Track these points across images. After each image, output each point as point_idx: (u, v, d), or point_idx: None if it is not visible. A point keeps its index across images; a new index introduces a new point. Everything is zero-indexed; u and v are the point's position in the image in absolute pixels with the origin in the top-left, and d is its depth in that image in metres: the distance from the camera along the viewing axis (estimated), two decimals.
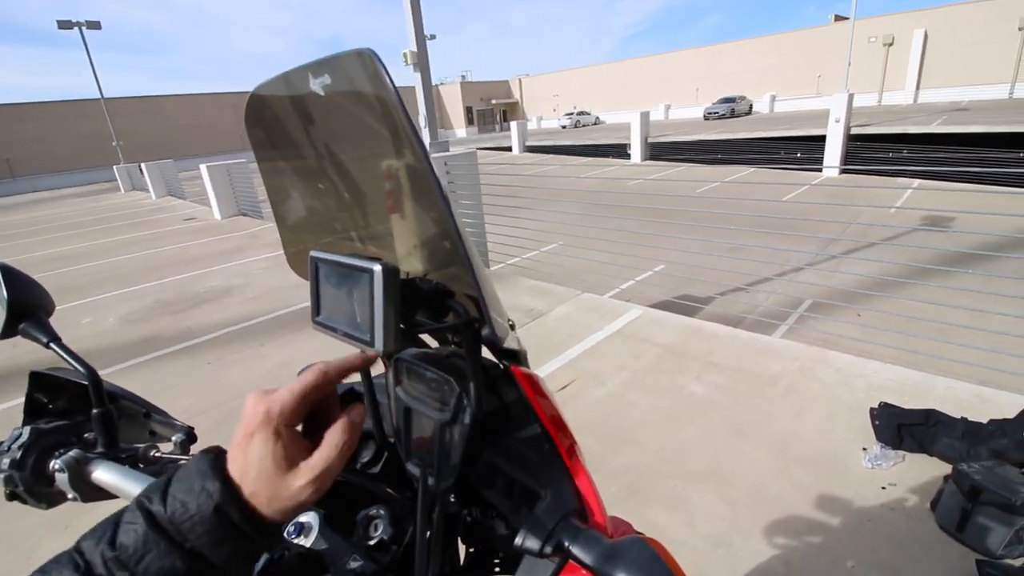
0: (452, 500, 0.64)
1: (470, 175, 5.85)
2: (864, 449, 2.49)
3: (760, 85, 36.36)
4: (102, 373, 0.67)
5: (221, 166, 11.47)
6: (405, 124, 0.46)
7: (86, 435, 0.67)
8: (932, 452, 2.41)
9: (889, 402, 2.72)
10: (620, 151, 19.69)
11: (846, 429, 2.67)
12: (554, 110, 48.90)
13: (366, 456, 0.73)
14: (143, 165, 17.68)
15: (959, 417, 2.50)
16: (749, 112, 35.05)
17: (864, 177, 11.52)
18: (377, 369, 0.71)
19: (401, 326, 0.52)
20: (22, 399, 0.73)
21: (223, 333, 4.72)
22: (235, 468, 0.38)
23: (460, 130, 49.14)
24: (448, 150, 6.12)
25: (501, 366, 0.64)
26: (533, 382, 0.59)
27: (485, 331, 0.55)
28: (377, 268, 0.48)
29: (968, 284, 4.23)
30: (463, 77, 50.93)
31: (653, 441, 2.72)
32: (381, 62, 0.44)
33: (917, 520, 2.09)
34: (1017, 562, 1.85)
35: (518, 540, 0.48)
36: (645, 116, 18.25)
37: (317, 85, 0.51)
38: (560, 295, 4.90)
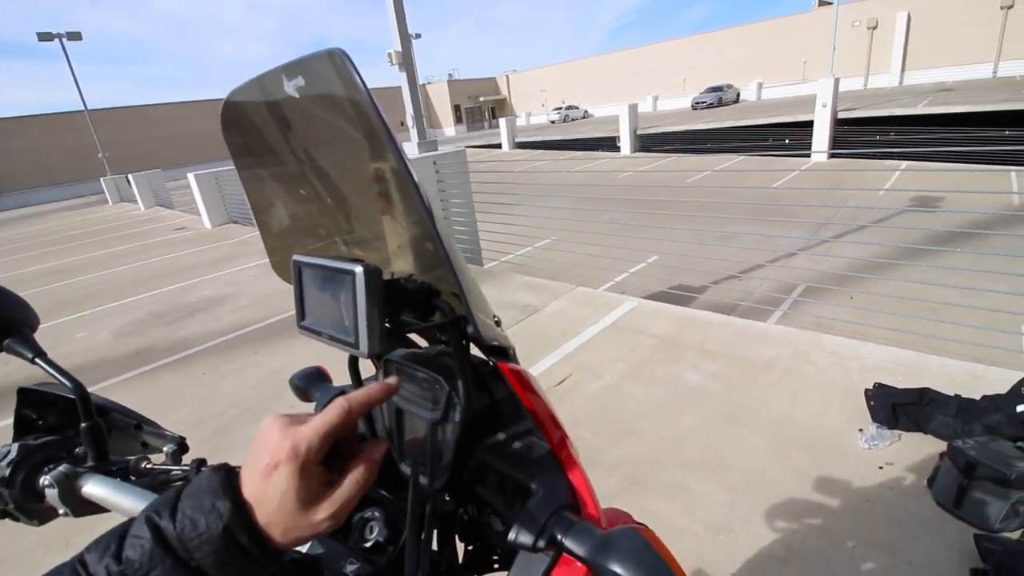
0: (447, 499, 0.64)
1: (460, 173, 5.84)
2: (860, 430, 2.51)
3: (747, 73, 36.42)
4: (96, 387, 0.66)
5: (209, 174, 11.40)
6: (380, 125, 0.46)
7: (76, 450, 0.67)
8: (927, 430, 2.43)
9: (884, 383, 2.74)
10: (609, 144, 19.71)
11: (841, 411, 2.69)
12: (542, 105, 48.83)
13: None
14: (130, 176, 17.54)
15: (953, 395, 2.52)
16: (737, 100, 35.13)
17: (853, 161, 11.59)
18: (367, 370, 0.71)
19: (387, 326, 0.52)
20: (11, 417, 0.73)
21: (217, 342, 4.70)
22: (250, 492, 0.38)
23: (449, 129, 49.02)
24: (437, 149, 6.10)
25: (490, 363, 0.64)
26: (522, 378, 0.60)
27: (470, 329, 0.55)
28: (359, 269, 0.47)
29: (958, 263, 4.27)
30: (450, 75, 50.77)
31: (651, 431, 2.73)
32: (351, 62, 0.43)
33: (915, 498, 2.11)
34: (1015, 535, 1.87)
35: (511, 535, 0.48)
36: (633, 108, 18.27)
37: (291, 88, 0.51)
38: (554, 290, 4.91)
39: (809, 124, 14.18)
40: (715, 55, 38.13)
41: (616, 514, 0.66)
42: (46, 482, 0.60)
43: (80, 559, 0.36)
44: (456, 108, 49.39)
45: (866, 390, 2.72)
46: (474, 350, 0.63)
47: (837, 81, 13.42)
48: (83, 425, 0.64)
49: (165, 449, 0.70)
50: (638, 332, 3.87)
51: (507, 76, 52.93)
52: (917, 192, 7.96)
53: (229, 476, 0.38)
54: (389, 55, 5.98)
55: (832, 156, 12.46)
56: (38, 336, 0.69)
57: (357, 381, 0.68)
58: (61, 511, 0.61)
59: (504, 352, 0.62)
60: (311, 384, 0.82)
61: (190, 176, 11.44)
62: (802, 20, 34.29)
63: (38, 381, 0.74)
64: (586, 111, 43.31)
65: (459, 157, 5.94)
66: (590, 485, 0.56)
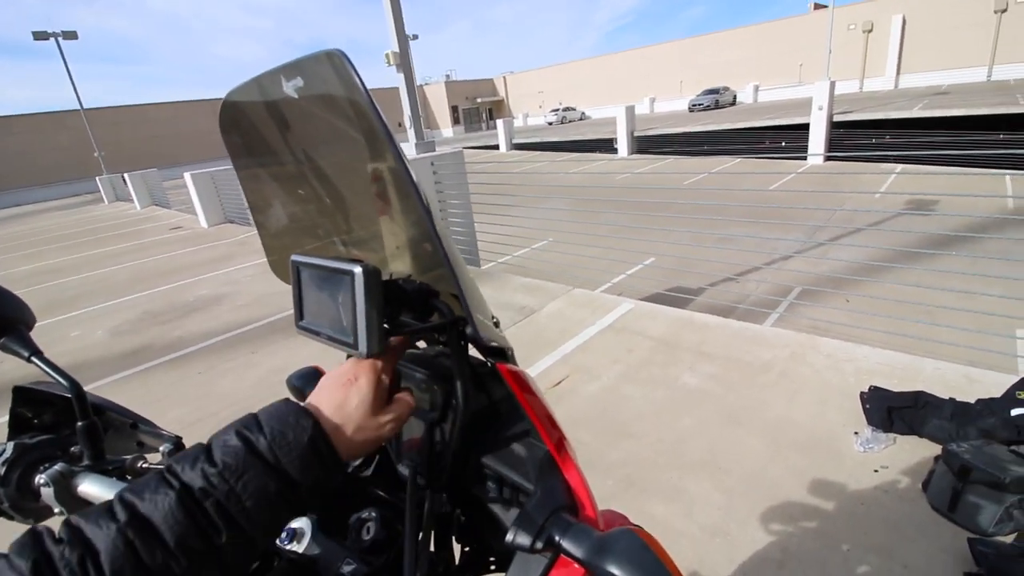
0: (445, 500, 0.64)
1: (457, 174, 5.84)
2: (856, 433, 2.52)
3: (743, 75, 36.54)
4: (91, 387, 0.66)
5: (206, 174, 11.36)
6: (379, 126, 0.46)
7: (72, 449, 0.66)
8: (922, 434, 2.44)
9: (879, 386, 2.74)
10: (607, 146, 19.73)
11: (837, 414, 2.70)
12: (540, 107, 48.85)
13: (357, 459, 0.73)
14: (126, 175, 17.49)
15: (948, 398, 2.53)
16: (733, 103, 35.24)
17: (849, 164, 11.64)
18: None
19: (386, 327, 0.52)
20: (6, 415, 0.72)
21: (214, 342, 4.69)
22: (330, 406, 0.48)
23: (446, 130, 49.00)
24: (434, 150, 6.09)
25: (488, 364, 0.64)
26: (520, 379, 0.60)
27: (469, 330, 0.55)
28: (358, 270, 0.47)
29: (953, 266, 4.29)
30: (447, 77, 50.78)
31: (648, 433, 2.73)
32: (351, 63, 0.43)
33: (909, 501, 2.12)
34: (1008, 539, 1.88)
35: (509, 537, 0.48)
36: (630, 110, 18.30)
37: (290, 88, 0.51)
38: (552, 291, 4.91)
39: (805, 127, 14.22)
40: (712, 57, 38.25)
41: (612, 516, 0.66)
42: (41, 481, 0.60)
43: (168, 469, 0.41)
44: (454, 109, 49.38)
45: (861, 393, 2.73)
46: (472, 351, 0.63)
47: (833, 84, 13.47)
48: (79, 424, 0.63)
49: (161, 449, 0.70)
50: (635, 334, 3.87)
51: (504, 77, 52.96)
52: (912, 195, 8.01)
53: (298, 403, 0.47)
54: (387, 56, 5.97)
55: (828, 159, 12.50)
56: (34, 335, 0.68)
57: None
58: (56, 510, 0.61)
59: (503, 353, 0.62)
60: (309, 384, 0.82)
61: (186, 175, 11.41)
62: (798, 23, 34.43)
63: (34, 380, 0.74)
64: (583, 113, 43.36)
65: (457, 158, 5.93)
66: (588, 487, 0.56)
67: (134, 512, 0.38)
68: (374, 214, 0.63)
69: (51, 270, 9.05)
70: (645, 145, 19.10)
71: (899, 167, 10.32)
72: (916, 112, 16.37)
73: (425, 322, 0.59)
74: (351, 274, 0.48)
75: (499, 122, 24.81)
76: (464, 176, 5.87)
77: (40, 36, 22.05)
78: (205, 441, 0.44)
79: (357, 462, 0.73)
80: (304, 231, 0.72)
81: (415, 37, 24.09)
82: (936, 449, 2.31)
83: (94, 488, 0.59)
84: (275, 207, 0.73)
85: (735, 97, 35.50)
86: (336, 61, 0.44)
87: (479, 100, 51.52)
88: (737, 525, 2.10)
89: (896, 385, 2.75)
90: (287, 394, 0.81)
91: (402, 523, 0.59)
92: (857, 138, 14.54)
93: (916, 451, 2.38)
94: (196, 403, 3.59)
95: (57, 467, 0.60)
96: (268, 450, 0.42)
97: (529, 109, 49.94)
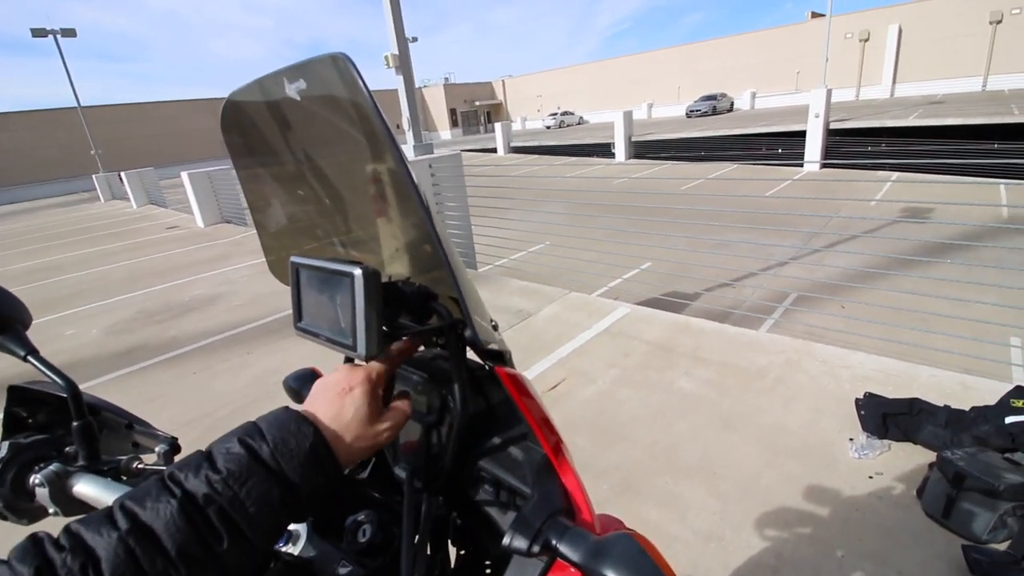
0: (441, 503, 0.64)
1: (455, 177, 5.84)
2: (851, 439, 2.52)
3: (741, 82, 36.71)
4: (85, 386, 0.66)
5: (203, 173, 11.33)
6: (381, 129, 0.46)
7: (67, 449, 0.66)
8: (917, 440, 2.44)
9: (874, 392, 2.76)
10: (604, 150, 19.79)
11: (832, 420, 2.71)
12: (538, 111, 48.95)
13: (354, 465, 0.73)
14: (123, 174, 17.42)
15: (942, 405, 2.54)
16: (730, 109, 35.37)
17: (845, 171, 11.70)
18: None
19: (384, 329, 0.52)
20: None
21: (209, 342, 4.67)
22: (326, 415, 0.49)
23: (444, 132, 49.04)
24: (433, 152, 6.10)
25: (486, 367, 0.64)
26: (518, 382, 0.60)
27: (468, 333, 0.55)
28: (358, 272, 0.47)
29: (948, 274, 4.30)
30: (446, 79, 50.84)
31: (644, 437, 2.73)
32: (355, 66, 0.44)
33: (904, 508, 2.12)
34: (1002, 546, 1.89)
35: (506, 540, 0.48)
36: (628, 115, 18.36)
37: (293, 90, 0.51)
38: (548, 295, 4.91)
39: (802, 134, 14.30)
40: (710, 64, 38.42)
41: (608, 520, 0.66)
42: (36, 481, 0.60)
43: (169, 477, 0.41)
44: (452, 112, 49.44)
45: (856, 400, 2.73)
46: (470, 354, 0.63)
47: (829, 92, 13.54)
48: (75, 424, 0.63)
49: (157, 449, 0.69)
50: (632, 338, 3.88)
51: (503, 81, 53.06)
52: (908, 203, 8.04)
53: (298, 411, 0.48)
54: (386, 58, 5.98)
55: (824, 166, 12.56)
56: (29, 333, 0.68)
57: None
58: (51, 510, 0.60)
59: (500, 356, 0.62)
60: (305, 386, 0.82)
61: (183, 175, 11.37)
62: (795, 31, 34.63)
63: (29, 379, 0.74)
64: (581, 117, 43.47)
65: (455, 160, 5.94)
66: (584, 491, 0.56)
67: (135, 520, 0.39)
68: (373, 216, 0.63)
69: (46, 268, 9.00)
70: (643, 150, 19.16)
71: (895, 175, 10.39)
72: (912, 121, 16.48)
73: (424, 324, 0.59)
74: (351, 276, 0.48)
75: (497, 125, 24.85)
76: (462, 179, 5.88)
77: (39, 33, 21.97)
78: (203, 447, 0.44)
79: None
80: (303, 232, 0.72)
81: (415, 39, 24.13)
82: (931, 456, 2.32)
83: (89, 488, 0.59)
84: (275, 207, 0.73)
85: (732, 103, 35.65)
86: (341, 65, 0.45)
87: (477, 103, 51.59)
88: (732, 530, 2.10)
89: (891, 392, 2.76)
90: (283, 395, 0.82)
91: (398, 526, 0.59)
92: (853, 146, 14.64)
93: (911, 458, 2.38)
94: (191, 403, 3.58)
95: (52, 467, 0.60)
96: (271, 457, 0.43)
97: (527, 113, 50.02)
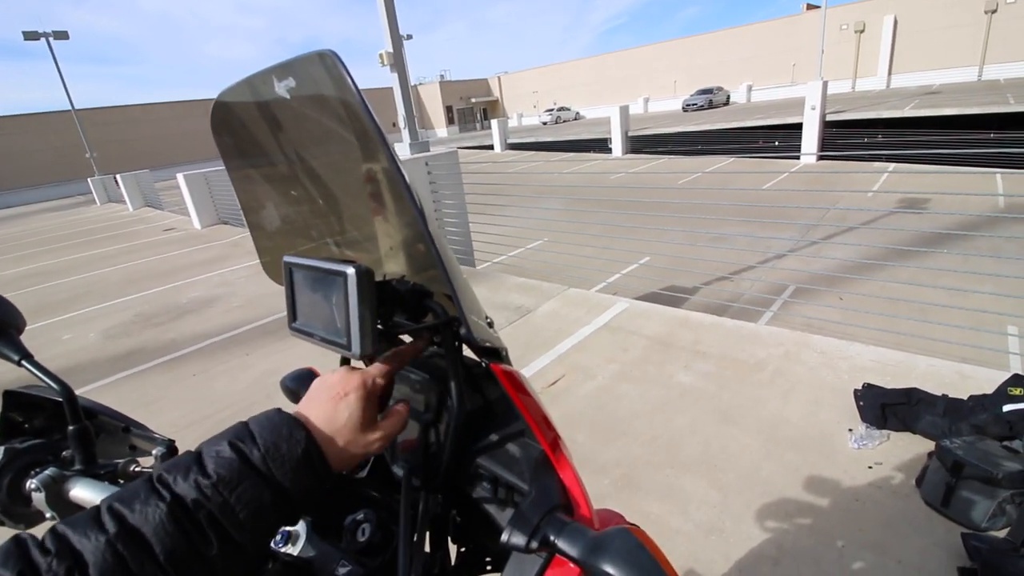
0: (440, 501, 0.64)
1: (452, 175, 5.83)
2: (850, 430, 2.53)
3: (737, 75, 36.68)
4: (84, 390, 0.66)
5: (199, 174, 11.30)
6: (372, 127, 0.46)
7: (63, 453, 0.66)
8: (916, 430, 2.45)
9: (872, 383, 2.76)
10: (601, 145, 19.76)
11: (831, 411, 2.71)
12: (534, 107, 48.87)
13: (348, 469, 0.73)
14: (118, 176, 17.35)
15: (940, 395, 2.55)
16: (727, 103, 35.36)
17: (841, 163, 11.69)
18: None
19: (379, 328, 0.52)
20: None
21: (208, 344, 4.66)
22: (319, 419, 0.48)
23: (441, 130, 48.95)
24: (429, 150, 6.09)
25: (483, 364, 0.64)
26: (514, 379, 0.59)
27: (463, 330, 0.55)
28: (351, 271, 0.47)
29: (945, 264, 4.32)
30: (442, 76, 50.73)
31: (644, 432, 2.74)
32: (343, 63, 0.43)
33: (903, 497, 2.13)
34: (1001, 533, 1.90)
35: (504, 537, 0.48)
36: (624, 110, 18.32)
37: (282, 89, 0.50)
38: (547, 291, 4.91)
39: (798, 126, 14.28)
40: (705, 57, 38.37)
41: (608, 515, 0.66)
42: (33, 486, 0.59)
43: (158, 479, 0.40)
44: (448, 109, 49.34)
45: (855, 390, 2.74)
46: (467, 351, 0.63)
47: (825, 84, 13.53)
48: (71, 428, 0.63)
49: (154, 452, 0.69)
50: (631, 333, 3.88)
51: (499, 77, 52.94)
52: (905, 194, 8.05)
53: (290, 414, 0.47)
54: (380, 56, 5.96)
55: (821, 158, 12.56)
56: (24, 338, 0.68)
57: None
58: (48, 515, 0.60)
59: (497, 353, 0.62)
60: (303, 386, 0.81)
61: (179, 176, 11.34)
62: (791, 23, 34.58)
63: (24, 384, 0.73)
64: (578, 113, 43.42)
65: (451, 158, 5.93)
66: (583, 486, 0.56)
67: (123, 523, 0.38)
68: (367, 215, 0.63)
69: (42, 272, 8.98)
70: (639, 145, 19.13)
71: (891, 166, 10.39)
72: (908, 111, 16.48)
73: (419, 323, 0.59)
74: (344, 275, 0.48)
75: (494, 122, 24.79)
76: (459, 176, 5.87)
77: (31, 36, 21.83)
78: (194, 448, 0.44)
79: None
80: (297, 232, 0.72)
81: (409, 37, 24.05)
82: (929, 445, 2.33)
83: (86, 493, 0.59)
84: (268, 208, 0.73)
85: (728, 97, 35.63)
86: (328, 62, 0.44)
87: (474, 100, 51.48)
88: (732, 522, 2.11)
89: (889, 382, 2.77)
90: (281, 396, 0.81)
91: (397, 524, 0.58)
92: (850, 137, 14.63)
93: (909, 447, 2.39)
94: (191, 406, 3.57)
95: (48, 472, 0.60)
96: (262, 462, 0.43)
97: (524, 109, 49.93)
